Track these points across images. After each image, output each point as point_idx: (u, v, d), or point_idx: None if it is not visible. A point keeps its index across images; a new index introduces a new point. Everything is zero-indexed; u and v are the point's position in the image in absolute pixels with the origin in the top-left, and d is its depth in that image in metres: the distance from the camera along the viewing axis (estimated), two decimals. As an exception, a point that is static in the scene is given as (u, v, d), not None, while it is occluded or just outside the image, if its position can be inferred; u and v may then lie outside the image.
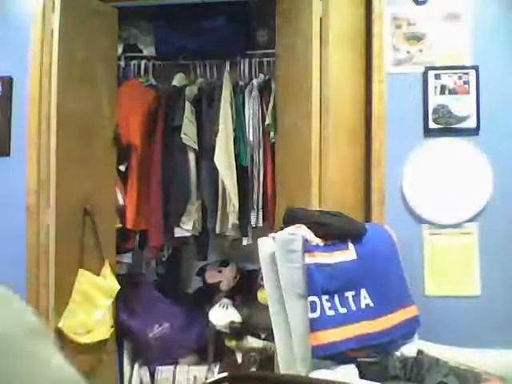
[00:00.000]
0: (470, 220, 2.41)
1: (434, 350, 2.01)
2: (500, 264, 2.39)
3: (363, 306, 1.95)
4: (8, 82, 2.65)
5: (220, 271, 3.24)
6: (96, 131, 2.82)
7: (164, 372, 3.06)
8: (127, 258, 3.36)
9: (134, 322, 3.03)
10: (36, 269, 2.59)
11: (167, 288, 3.29)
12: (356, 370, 1.86)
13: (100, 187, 2.84)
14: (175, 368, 3.07)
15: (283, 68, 2.85)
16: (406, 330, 2.09)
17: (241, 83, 3.28)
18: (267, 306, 2.01)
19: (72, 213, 2.64)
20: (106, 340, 2.79)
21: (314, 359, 1.82)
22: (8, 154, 2.66)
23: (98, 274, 2.77)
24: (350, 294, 1.92)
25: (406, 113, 2.46)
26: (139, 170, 3.13)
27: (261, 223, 3.08)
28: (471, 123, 2.42)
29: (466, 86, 2.43)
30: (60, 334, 2.54)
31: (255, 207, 3.08)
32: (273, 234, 1.99)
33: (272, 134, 3.06)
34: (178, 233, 3.13)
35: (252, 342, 3.00)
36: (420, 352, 1.96)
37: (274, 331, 1.99)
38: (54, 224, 2.52)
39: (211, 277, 3.24)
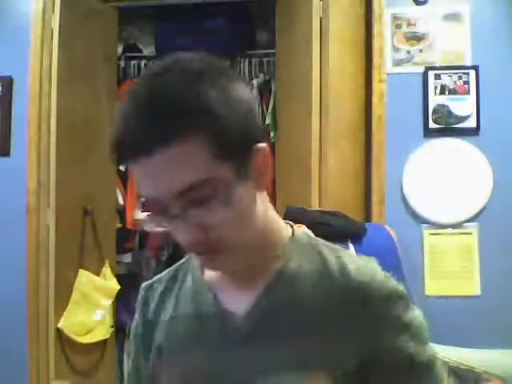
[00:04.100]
0: (470, 220, 2.41)
1: (433, 350, 2.01)
2: (500, 264, 2.39)
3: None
4: (8, 82, 2.65)
5: (220, 271, 3.23)
6: (96, 131, 2.82)
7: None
8: (127, 258, 3.36)
9: (134, 322, 3.03)
10: (36, 269, 2.59)
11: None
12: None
13: (100, 187, 2.84)
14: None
15: (283, 68, 2.85)
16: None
17: (241, 83, 3.28)
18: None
19: (72, 213, 2.65)
20: (105, 340, 2.79)
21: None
22: (8, 154, 2.66)
23: (98, 274, 2.77)
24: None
25: (405, 113, 2.46)
26: (139, 170, 3.13)
27: (261, 223, 3.08)
28: (471, 123, 2.42)
29: (466, 85, 2.43)
30: (60, 334, 2.54)
31: (255, 207, 3.08)
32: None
33: (272, 133, 3.06)
34: (178, 233, 3.12)
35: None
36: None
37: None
38: (54, 224, 2.52)
39: (211, 277, 3.24)
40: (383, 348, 0.76)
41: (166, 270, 0.93)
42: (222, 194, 0.69)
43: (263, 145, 0.74)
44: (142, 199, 0.73)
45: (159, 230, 0.74)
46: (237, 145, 0.70)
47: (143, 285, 0.94)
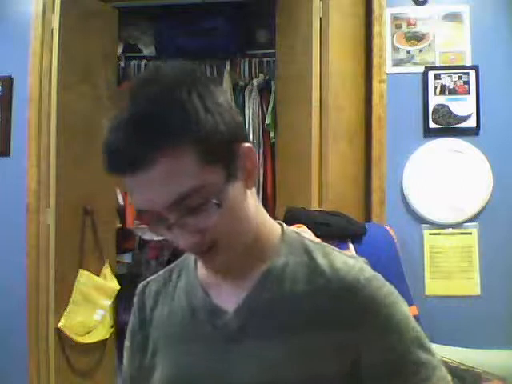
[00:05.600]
0: (470, 220, 2.41)
1: (434, 350, 2.01)
2: (500, 264, 2.39)
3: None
4: (8, 82, 2.65)
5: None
6: (96, 131, 2.81)
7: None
8: (127, 258, 3.36)
9: (134, 322, 3.03)
10: (36, 269, 2.59)
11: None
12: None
13: (100, 187, 2.83)
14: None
15: (283, 68, 2.85)
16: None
17: (241, 83, 3.29)
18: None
19: (72, 213, 2.64)
20: (105, 340, 2.79)
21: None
22: (8, 154, 2.66)
23: (98, 274, 2.77)
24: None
25: (406, 113, 2.46)
26: (139, 170, 3.12)
27: (261, 223, 3.08)
28: (471, 123, 2.42)
29: (466, 86, 2.43)
30: (60, 334, 2.54)
31: (255, 207, 3.08)
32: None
33: (272, 133, 3.07)
34: (178, 233, 3.12)
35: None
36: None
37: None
38: (53, 224, 2.52)
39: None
40: (371, 345, 0.77)
41: (162, 270, 0.96)
42: (214, 198, 0.71)
43: (248, 144, 0.76)
44: (137, 210, 0.75)
45: (158, 238, 0.76)
46: (222, 148, 0.72)
47: (140, 285, 0.96)
